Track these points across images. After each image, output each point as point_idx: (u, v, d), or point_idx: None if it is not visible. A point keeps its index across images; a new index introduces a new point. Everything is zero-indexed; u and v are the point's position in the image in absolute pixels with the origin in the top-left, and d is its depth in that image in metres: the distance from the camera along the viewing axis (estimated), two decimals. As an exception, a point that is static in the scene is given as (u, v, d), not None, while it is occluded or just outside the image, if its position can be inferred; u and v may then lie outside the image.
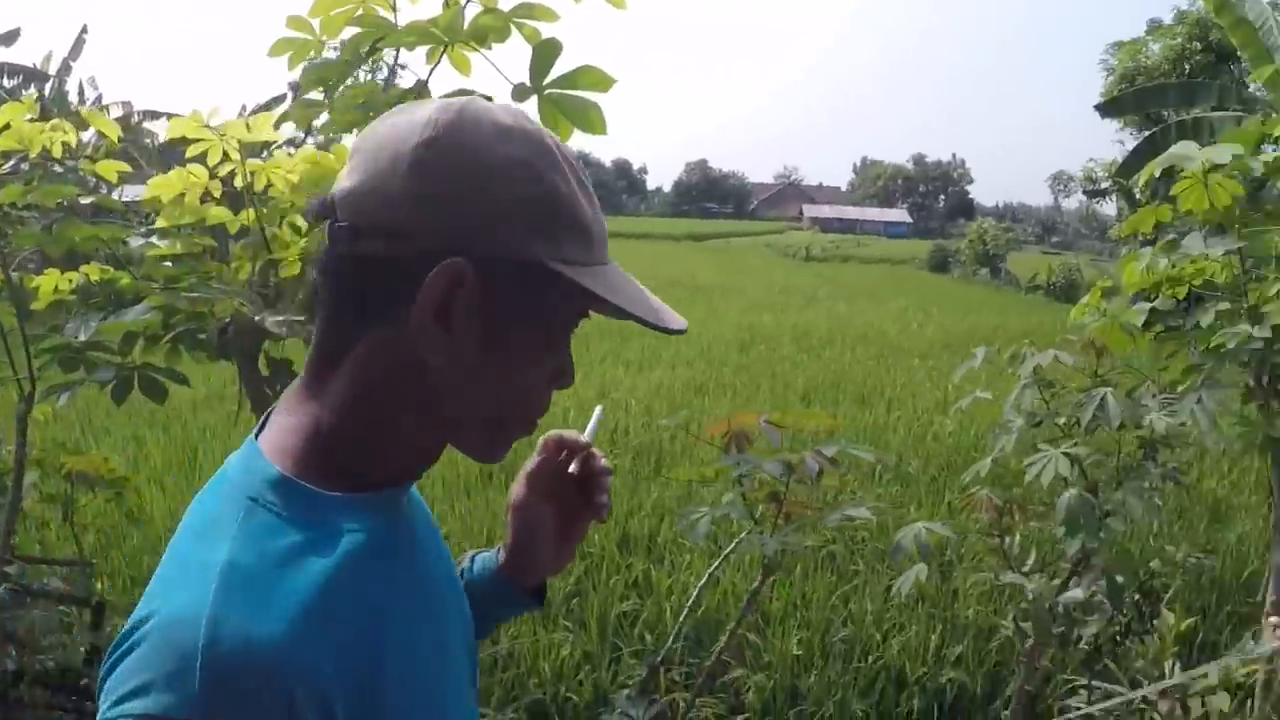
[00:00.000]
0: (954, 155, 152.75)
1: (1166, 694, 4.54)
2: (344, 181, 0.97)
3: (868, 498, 7.66)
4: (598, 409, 1.55)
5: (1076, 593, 2.91)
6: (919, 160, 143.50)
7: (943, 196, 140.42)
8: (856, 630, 5.69)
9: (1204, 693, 4.54)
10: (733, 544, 3.23)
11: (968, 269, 47.87)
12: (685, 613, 3.42)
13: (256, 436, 1.03)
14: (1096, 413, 2.85)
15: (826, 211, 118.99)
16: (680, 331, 1.12)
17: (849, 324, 20.66)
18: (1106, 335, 3.63)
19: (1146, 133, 15.42)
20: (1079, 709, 4.35)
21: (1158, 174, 4.10)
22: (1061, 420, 3.05)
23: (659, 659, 3.45)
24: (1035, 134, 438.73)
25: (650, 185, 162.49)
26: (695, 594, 3.44)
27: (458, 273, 0.92)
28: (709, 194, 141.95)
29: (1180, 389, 3.52)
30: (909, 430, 10.40)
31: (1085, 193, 35.37)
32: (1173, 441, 3.13)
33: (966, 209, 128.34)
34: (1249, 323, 3.65)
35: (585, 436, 1.43)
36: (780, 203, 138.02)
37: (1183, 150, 3.70)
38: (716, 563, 3.39)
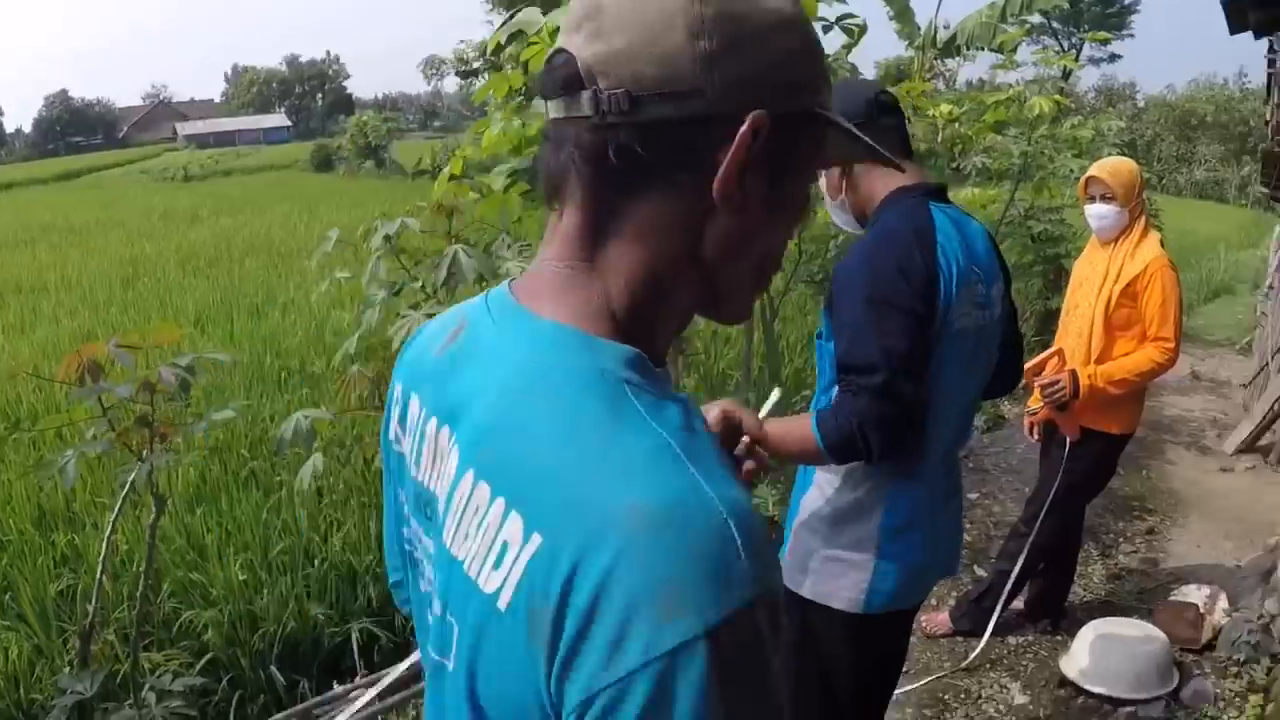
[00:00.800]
0: (328, 52, 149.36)
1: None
2: (594, 45, 0.91)
3: (276, 404, 7.53)
4: (776, 391, 1.56)
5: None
6: (293, 61, 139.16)
7: (320, 95, 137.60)
8: (297, 540, 5.57)
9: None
10: (125, 485, 2.96)
11: (352, 164, 47.49)
12: (100, 571, 3.11)
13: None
14: (451, 270, 2.90)
15: (201, 127, 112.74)
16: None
17: (235, 238, 19.90)
18: (461, 198, 3.71)
19: (513, 11, 15.84)
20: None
21: (504, 41, 4.20)
22: (420, 284, 3.07)
23: (88, 623, 3.12)
24: (411, 23, 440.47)
25: (9, 128, 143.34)
26: (104, 548, 3.13)
27: (758, 127, 0.90)
28: (75, 127, 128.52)
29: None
30: (307, 331, 10.26)
31: (458, 74, 36.20)
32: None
33: (346, 105, 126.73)
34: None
35: (762, 414, 1.45)
36: (152, 125, 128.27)
37: (527, 17, 3.80)
38: (116, 507, 3.10)
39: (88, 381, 2.79)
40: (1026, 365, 3.86)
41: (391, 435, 1.17)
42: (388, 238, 3.12)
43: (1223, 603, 4.49)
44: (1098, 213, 4.02)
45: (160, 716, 2.85)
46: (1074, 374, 3.94)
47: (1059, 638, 4.47)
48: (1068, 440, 4.12)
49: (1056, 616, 4.57)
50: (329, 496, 5.94)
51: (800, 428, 2.10)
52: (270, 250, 17.57)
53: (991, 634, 4.27)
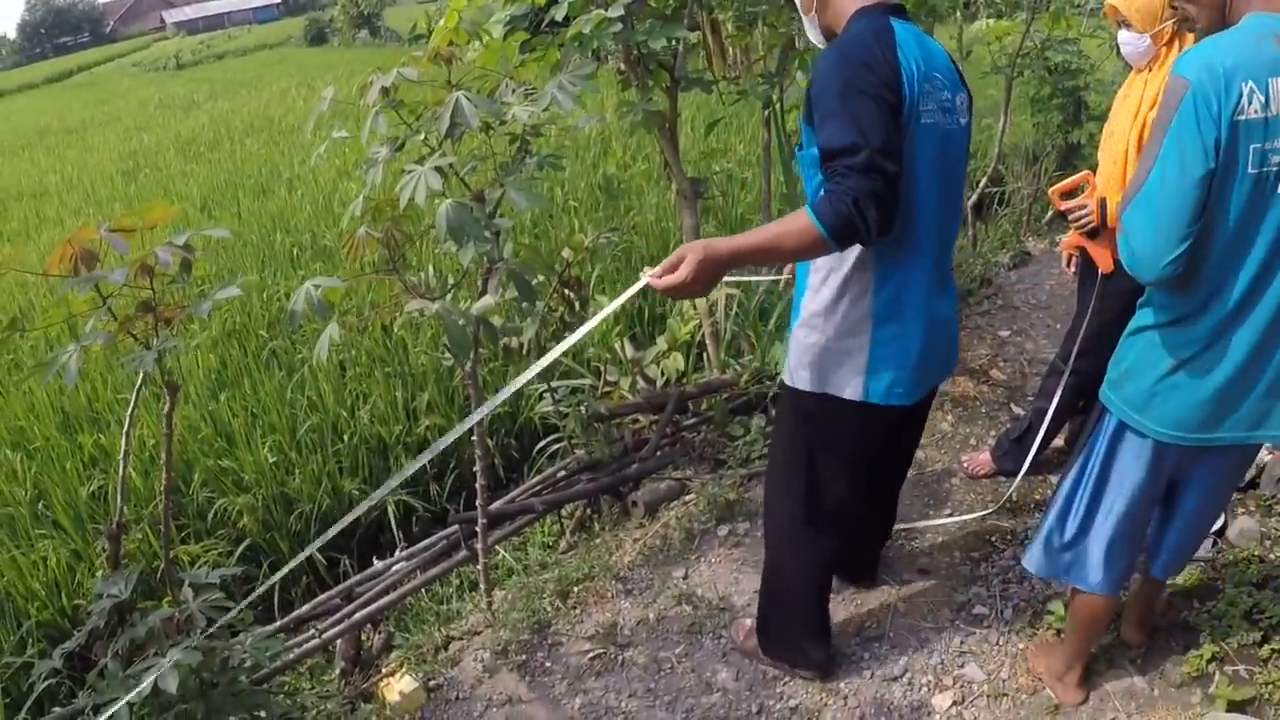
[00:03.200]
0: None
1: (627, 373, 4.84)
2: None
3: (290, 282, 7.44)
4: None
5: (487, 299, 2.86)
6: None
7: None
8: (323, 417, 5.53)
9: (658, 360, 4.87)
10: (134, 372, 2.85)
11: (346, 35, 46.69)
12: (123, 467, 3.02)
13: None
14: (454, 118, 2.72)
15: (189, 13, 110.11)
16: None
17: (234, 120, 19.67)
18: (459, 45, 3.52)
19: None
20: (551, 410, 4.52)
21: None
22: (423, 137, 2.90)
23: (114, 524, 3.05)
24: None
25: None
26: (124, 444, 3.03)
27: None
28: (60, 28, 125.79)
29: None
30: (315, 205, 10.12)
31: (447, -69, 35.00)
32: (544, 131, 3.10)
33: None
34: (603, 8, 3.69)
35: None
36: (138, 17, 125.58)
37: None
38: (133, 401, 2.99)
39: (81, 271, 2.65)
40: (1053, 187, 3.87)
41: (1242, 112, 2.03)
42: (385, 90, 2.94)
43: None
44: (1120, 39, 3.80)
45: (197, 610, 2.78)
46: (1104, 201, 3.77)
47: None
48: (1099, 272, 3.96)
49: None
50: (352, 369, 5.87)
51: (797, 221, 2.19)
52: (271, 128, 17.35)
53: (1032, 472, 4.18)
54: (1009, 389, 5.20)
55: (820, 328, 2.58)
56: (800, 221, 2.18)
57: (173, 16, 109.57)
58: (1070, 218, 3.78)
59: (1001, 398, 5.07)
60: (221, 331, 6.59)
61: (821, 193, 2.21)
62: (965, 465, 4.45)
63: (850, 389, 2.58)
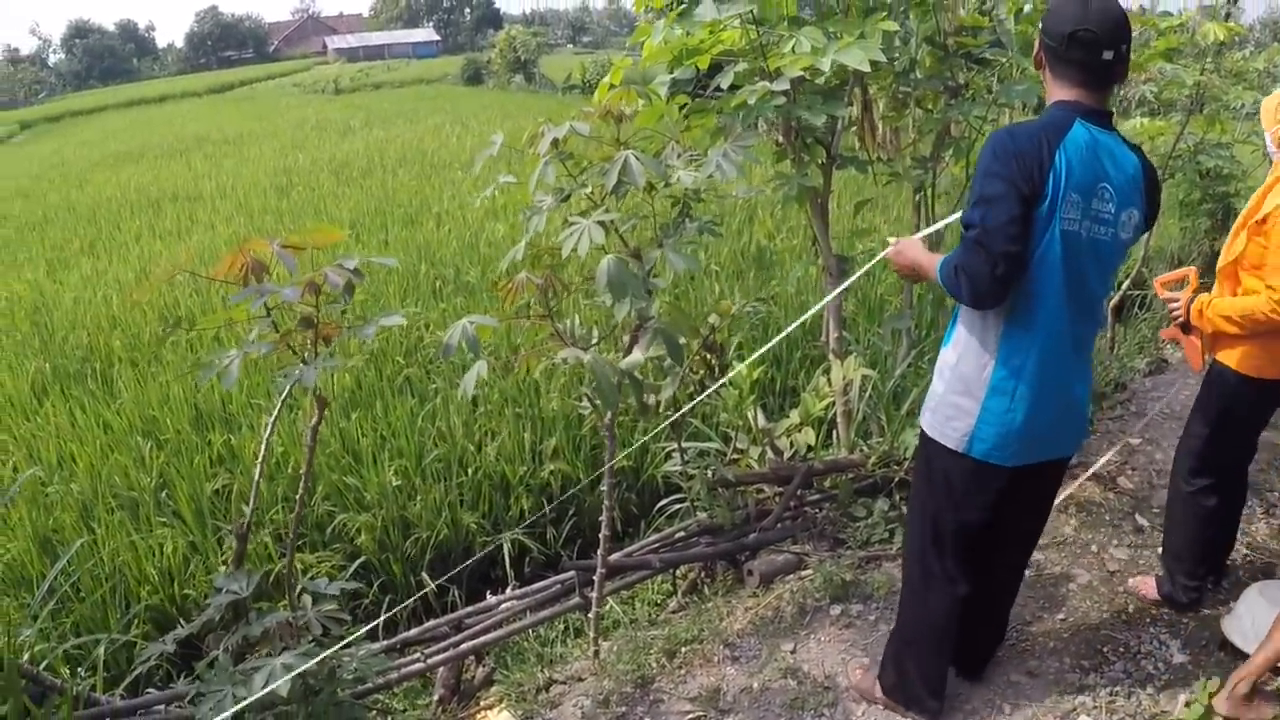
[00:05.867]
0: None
1: (757, 442, 4.84)
2: None
3: (431, 313, 7.63)
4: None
5: (636, 355, 2.93)
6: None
7: (469, 10, 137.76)
8: (450, 448, 5.64)
9: (789, 432, 4.87)
10: (286, 388, 2.97)
11: (501, 78, 47.77)
12: (257, 472, 3.15)
13: None
14: (621, 176, 2.81)
15: (351, 41, 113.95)
16: None
17: (387, 149, 20.19)
18: (626, 103, 3.61)
19: None
20: (677, 471, 4.55)
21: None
22: (589, 190, 2.99)
23: (244, 525, 3.18)
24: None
25: (161, 43, 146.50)
26: (263, 450, 3.15)
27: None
28: (225, 42, 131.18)
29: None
30: (461, 241, 10.33)
31: (598, -13, 35.76)
32: (704, 195, 3.17)
33: (494, 19, 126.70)
34: (767, 81, 3.75)
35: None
36: (302, 39, 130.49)
37: (683, -73, 3.67)
38: (275, 409, 3.12)
39: (251, 281, 2.77)
40: (1160, 278, 4.05)
41: None
42: (556, 142, 3.04)
43: (1400, 578, 4.18)
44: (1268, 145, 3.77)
45: (314, 618, 2.87)
46: (1192, 297, 3.74)
47: (1221, 597, 4.21)
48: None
49: (1218, 575, 4.25)
50: (484, 406, 5.99)
51: (937, 259, 2.73)
52: (423, 161, 17.73)
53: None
54: (1135, 498, 5.07)
55: (946, 379, 2.87)
56: (934, 260, 2.73)
57: (335, 43, 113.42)
58: (1169, 309, 3.84)
59: (1127, 507, 4.96)
60: (361, 353, 6.79)
61: None
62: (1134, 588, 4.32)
63: (954, 440, 2.85)
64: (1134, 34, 6.35)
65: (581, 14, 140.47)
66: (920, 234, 2.86)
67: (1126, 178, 2.65)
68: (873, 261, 3.06)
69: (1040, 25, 2.72)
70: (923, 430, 3.01)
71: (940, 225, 3.38)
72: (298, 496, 3.09)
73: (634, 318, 3.01)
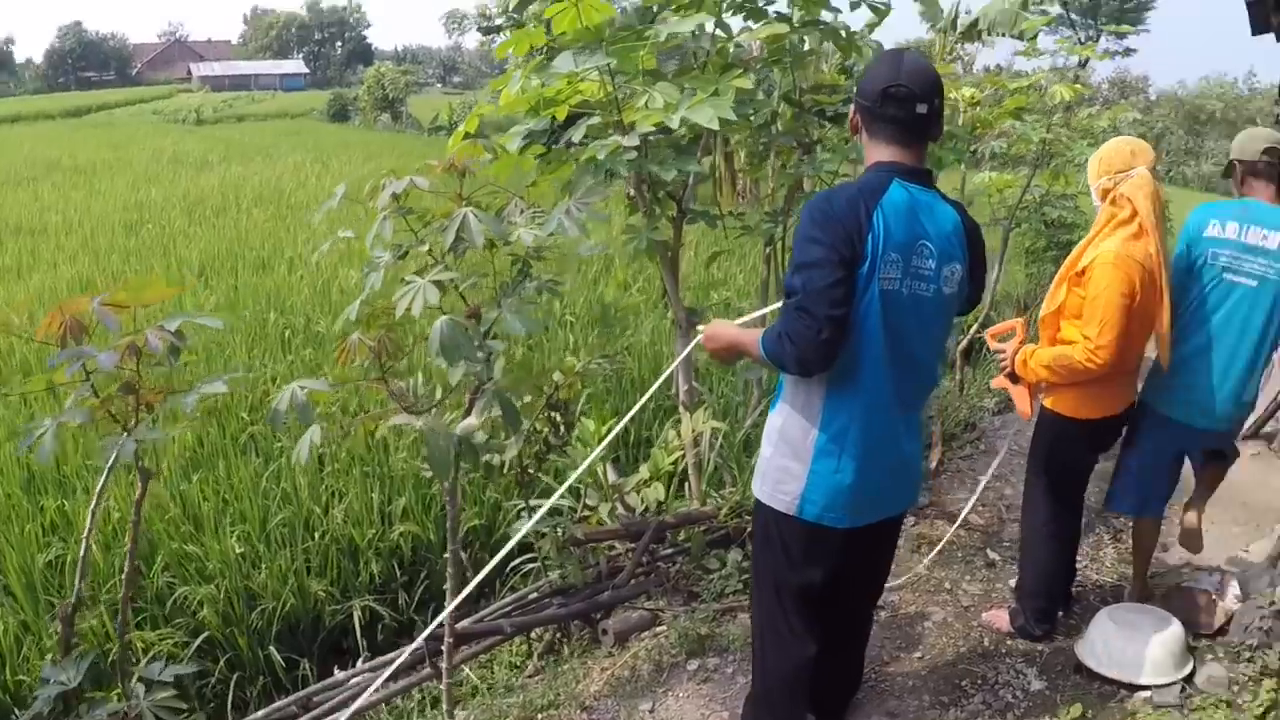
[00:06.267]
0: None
1: (607, 498, 4.77)
2: None
3: (279, 365, 7.36)
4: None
5: (471, 421, 2.82)
6: (313, 6, 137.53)
7: (340, 43, 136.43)
8: (296, 511, 5.40)
9: (639, 487, 4.81)
10: (109, 458, 2.78)
11: (368, 116, 47.49)
12: (84, 546, 2.94)
13: None
14: (460, 234, 2.72)
15: (218, 69, 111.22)
16: None
17: (244, 187, 19.67)
18: (473, 157, 3.52)
19: None
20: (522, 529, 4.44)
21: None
22: (427, 248, 2.88)
23: (69, 608, 2.96)
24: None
25: (19, 58, 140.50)
26: (89, 524, 2.95)
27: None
28: (87, 61, 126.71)
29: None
30: (313, 288, 10.07)
31: (480, 29, 35.99)
32: (546, 255, 3.10)
33: (365, 55, 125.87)
34: (621, 135, 3.75)
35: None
36: (167, 64, 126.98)
37: (550, -26, 3.65)
38: (101, 482, 2.92)
39: (70, 343, 2.60)
40: (990, 329, 4.24)
41: None
42: (395, 197, 2.93)
43: (1234, 589, 4.44)
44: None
45: (147, 710, 2.68)
46: (1018, 350, 3.93)
47: (1072, 623, 4.37)
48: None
49: (1067, 604, 4.44)
50: (330, 465, 5.76)
51: (755, 334, 2.71)
52: (280, 201, 17.31)
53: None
54: (986, 534, 5.24)
55: (774, 443, 2.88)
56: (755, 335, 2.71)
57: (200, 70, 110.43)
58: (998, 360, 4.04)
59: (978, 542, 5.11)
60: (201, 409, 6.48)
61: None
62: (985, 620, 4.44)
63: (785, 504, 2.84)
64: (987, 93, 6.60)
65: (453, 53, 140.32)
66: (740, 320, 2.90)
67: (945, 234, 2.71)
68: (690, 346, 3.08)
69: (855, 90, 2.78)
70: (755, 497, 3.00)
71: (763, 312, 3.39)
72: (123, 576, 2.90)
73: (472, 379, 2.90)
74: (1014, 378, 3.99)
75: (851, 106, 2.81)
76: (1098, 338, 3.60)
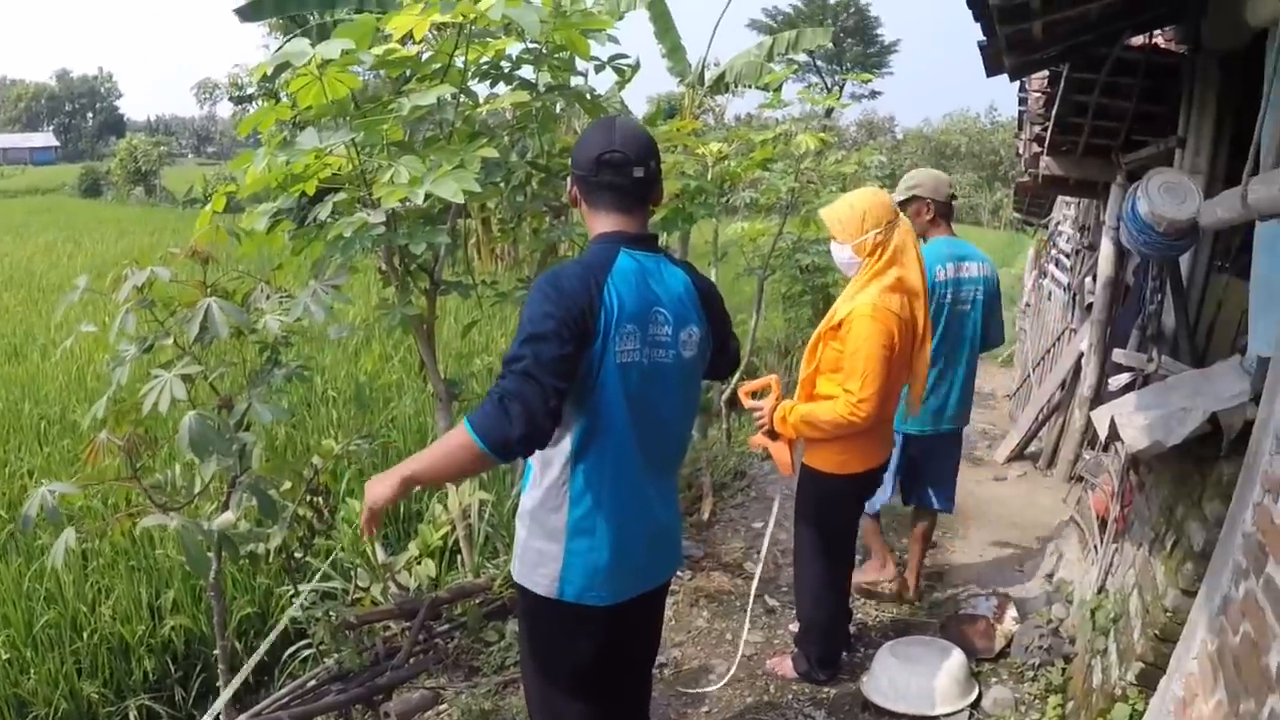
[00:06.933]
0: (101, 69, 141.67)
1: (379, 578, 4.71)
2: None
3: (35, 458, 7.01)
4: None
5: (228, 516, 2.79)
6: (63, 77, 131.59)
7: (91, 115, 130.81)
8: (62, 611, 5.14)
9: (410, 565, 4.77)
10: None
11: (121, 190, 46.02)
12: None
13: None
14: (205, 325, 2.71)
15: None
16: None
17: (-7, 268, 18.60)
18: (219, 242, 3.49)
19: (285, 40, 14.73)
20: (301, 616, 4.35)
21: (272, 72, 4.00)
22: (172, 340, 2.85)
23: None
24: (185, 42, 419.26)
25: None
26: None
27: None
28: None
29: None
30: (68, 375, 9.63)
31: (232, 99, 35.13)
32: (294, 340, 3.09)
33: (117, 126, 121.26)
34: (368, 210, 3.73)
35: None
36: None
37: (295, 47, 3.61)
38: None
39: None
40: (744, 386, 4.22)
41: None
42: (138, 289, 2.89)
43: (1011, 611, 4.67)
44: (832, 252, 4.07)
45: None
46: (776, 406, 3.98)
47: (857, 659, 4.52)
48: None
49: (848, 644, 4.58)
50: (95, 561, 5.52)
51: (451, 433, 2.48)
52: (31, 284, 16.42)
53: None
54: (762, 581, 5.28)
55: (528, 525, 2.77)
56: (455, 431, 2.45)
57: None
58: (754, 418, 4.04)
59: (756, 590, 5.17)
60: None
61: None
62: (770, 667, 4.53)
63: (545, 587, 2.73)
64: (734, 146, 6.88)
65: (207, 123, 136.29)
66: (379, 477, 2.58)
67: (677, 296, 2.71)
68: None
69: (570, 162, 2.75)
70: (515, 579, 2.91)
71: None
72: None
73: (226, 472, 2.88)
74: (773, 434, 3.98)
75: (569, 180, 2.78)
76: (860, 391, 3.65)
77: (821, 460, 4.01)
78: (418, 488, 2.57)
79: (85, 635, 5.01)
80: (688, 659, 4.61)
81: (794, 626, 4.68)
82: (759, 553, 5.64)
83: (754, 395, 4.19)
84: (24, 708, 4.67)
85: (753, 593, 4.58)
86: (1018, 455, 7.89)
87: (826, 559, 4.21)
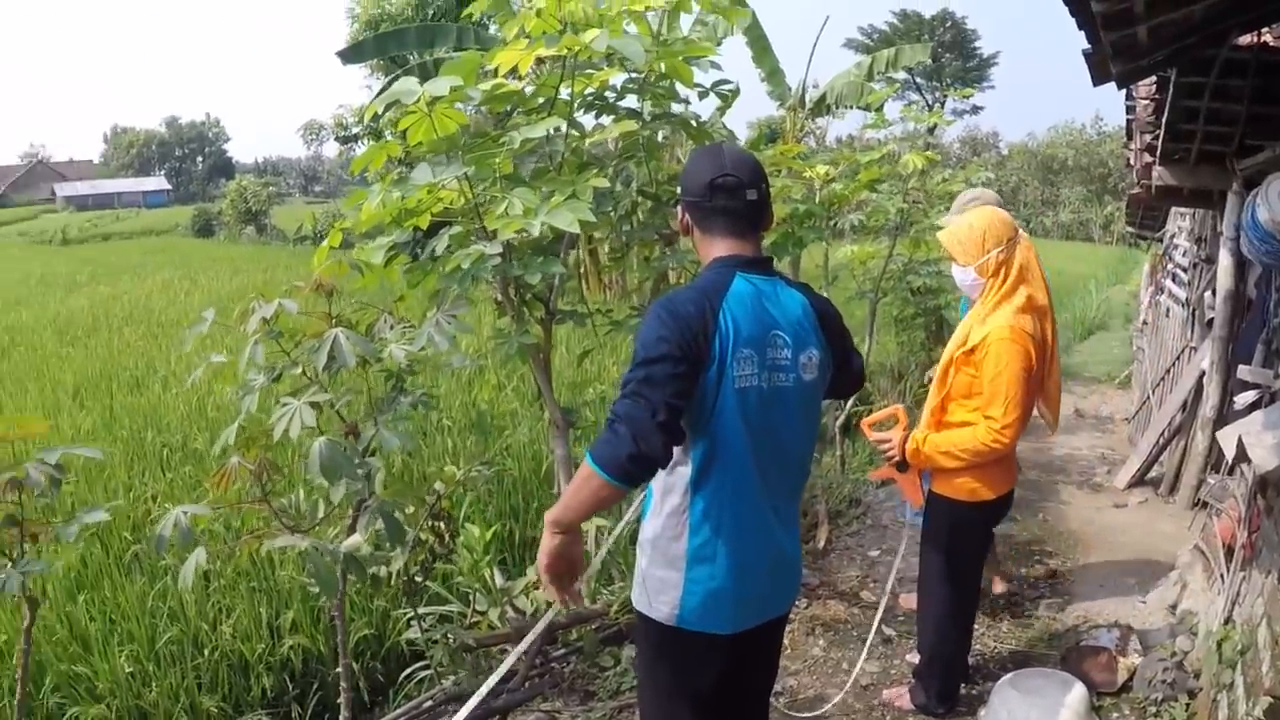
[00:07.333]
0: (208, 115, 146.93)
1: (496, 603, 4.78)
2: None
3: (158, 483, 7.26)
4: None
5: (355, 539, 2.88)
6: (172, 123, 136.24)
7: (200, 158, 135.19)
8: (184, 628, 5.33)
9: (528, 590, 4.83)
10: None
11: (233, 229, 47.34)
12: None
13: None
14: (332, 354, 2.80)
15: (82, 189, 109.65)
16: None
17: (114, 306, 19.37)
18: (339, 275, 3.60)
19: (390, 79, 15.22)
20: (418, 638, 4.44)
21: (382, 111, 4.09)
22: (300, 370, 2.96)
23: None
24: (289, 86, 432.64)
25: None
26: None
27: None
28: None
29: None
30: (189, 405, 9.92)
31: (338, 139, 36.07)
32: (418, 368, 3.17)
33: (226, 169, 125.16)
34: (484, 242, 3.79)
35: None
36: (30, 185, 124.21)
37: (403, 86, 3.69)
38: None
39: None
40: (866, 419, 4.10)
41: None
42: (265, 320, 3.01)
43: (1134, 643, 4.53)
44: (954, 274, 4.02)
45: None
46: (906, 437, 3.91)
47: (974, 693, 4.45)
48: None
49: (967, 677, 4.49)
50: (216, 582, 5.70)
51: (580, 468, 2.47)
52: (150, 320, 17.05)
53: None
54: (879, 610, 5.26)
55: (648, 553, 2.76)
56: (583, 466, 2.44)
57: (64, 190, 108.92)
58: (881, 450, 3.96)
59: (872, 619, 5.06)
60: (84, 531, 6.36)
61: None
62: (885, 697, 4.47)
63: (665, 615, 2.72)
64: (841, 168, 6.85)
65: (313, 163, 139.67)
66: None
67: (796, 319, 2.68)
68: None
69: (680, 191, 2.76)
70: (635, 607, 2.90)
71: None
72: (15, 701, 2.89)
73: (353, 496, 2.96)
74: (901, 466, 3.92)
75: (679, 208, 2.79)
76: (1002, 417, 3.59)
77: (953, 488, 3.93)
78: (562, 533, 2.56)
79: (206, 652, 5.18)
80: (803, 688, 4.59)
81: (912, 657, 4.62)
82: (875, 581, 5.63)
83: (877, 426, 4.11)
84: (146, 718, 4.85)
85: (877, 621, 4.51)
86: (1138, 481, 7.69)
87: (953, 588, 4.13)
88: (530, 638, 3.14)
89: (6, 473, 2.67)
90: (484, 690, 2.80)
